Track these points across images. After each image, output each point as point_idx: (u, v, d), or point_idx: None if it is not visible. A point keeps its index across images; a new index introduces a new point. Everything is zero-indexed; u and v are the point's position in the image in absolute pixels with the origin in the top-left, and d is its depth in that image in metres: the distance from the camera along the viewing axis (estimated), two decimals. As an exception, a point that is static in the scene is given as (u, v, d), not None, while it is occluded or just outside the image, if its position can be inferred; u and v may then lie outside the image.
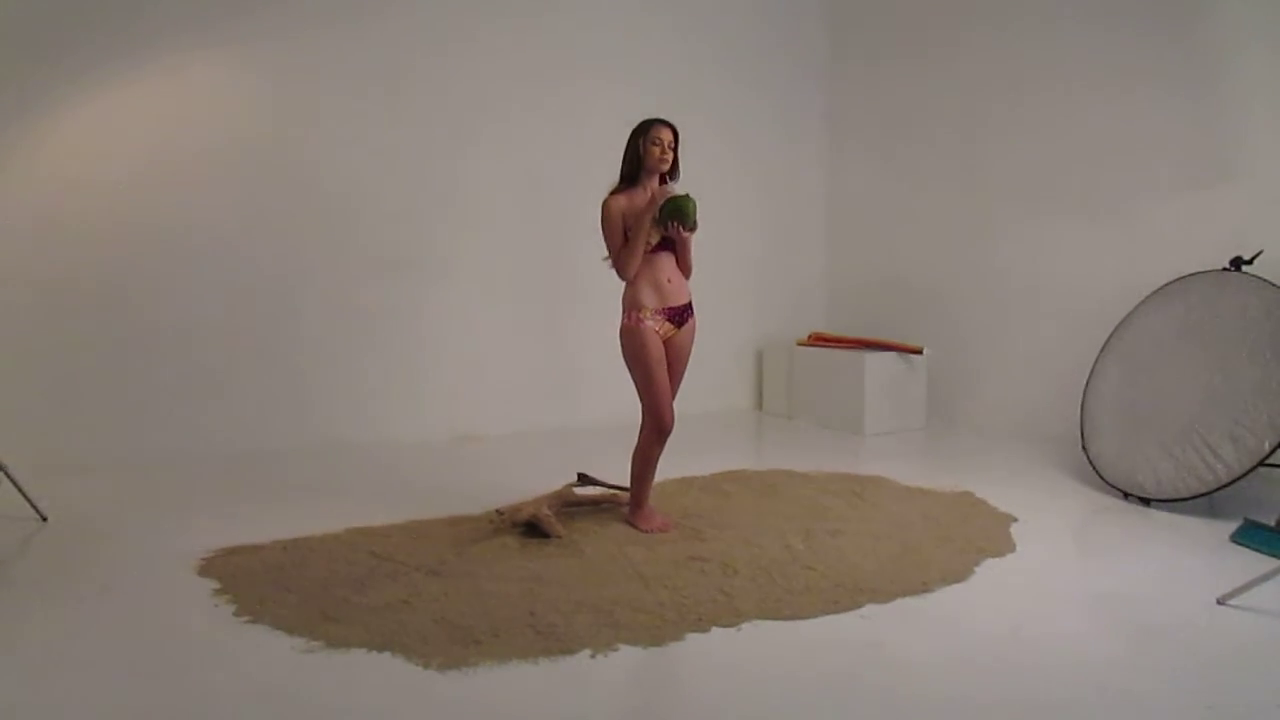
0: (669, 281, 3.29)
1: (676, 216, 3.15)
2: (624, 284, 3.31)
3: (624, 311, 3.29)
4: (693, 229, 3.20)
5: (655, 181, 3.28)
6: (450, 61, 5.02)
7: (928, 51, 5.64)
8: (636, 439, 3.34)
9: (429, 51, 4.96)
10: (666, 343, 3.30)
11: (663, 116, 3.29)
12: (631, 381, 3.31)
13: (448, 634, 2.42)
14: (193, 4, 4.41)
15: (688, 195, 3.20)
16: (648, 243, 3.22)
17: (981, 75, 5.32)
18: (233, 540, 3.17)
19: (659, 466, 3.44)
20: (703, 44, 5.80)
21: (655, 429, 3.28)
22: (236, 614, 2.57)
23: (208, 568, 2.93)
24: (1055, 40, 4.92)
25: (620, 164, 3.30)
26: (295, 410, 4.77)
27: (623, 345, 3.30)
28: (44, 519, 3.41)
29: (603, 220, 3.25)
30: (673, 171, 3.31)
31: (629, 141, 3.28)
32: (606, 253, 3.31)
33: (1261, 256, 3.80)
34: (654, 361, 3.24)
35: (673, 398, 3.34)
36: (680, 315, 3.32)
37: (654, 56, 5.57)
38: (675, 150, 3.26)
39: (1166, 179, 4.46)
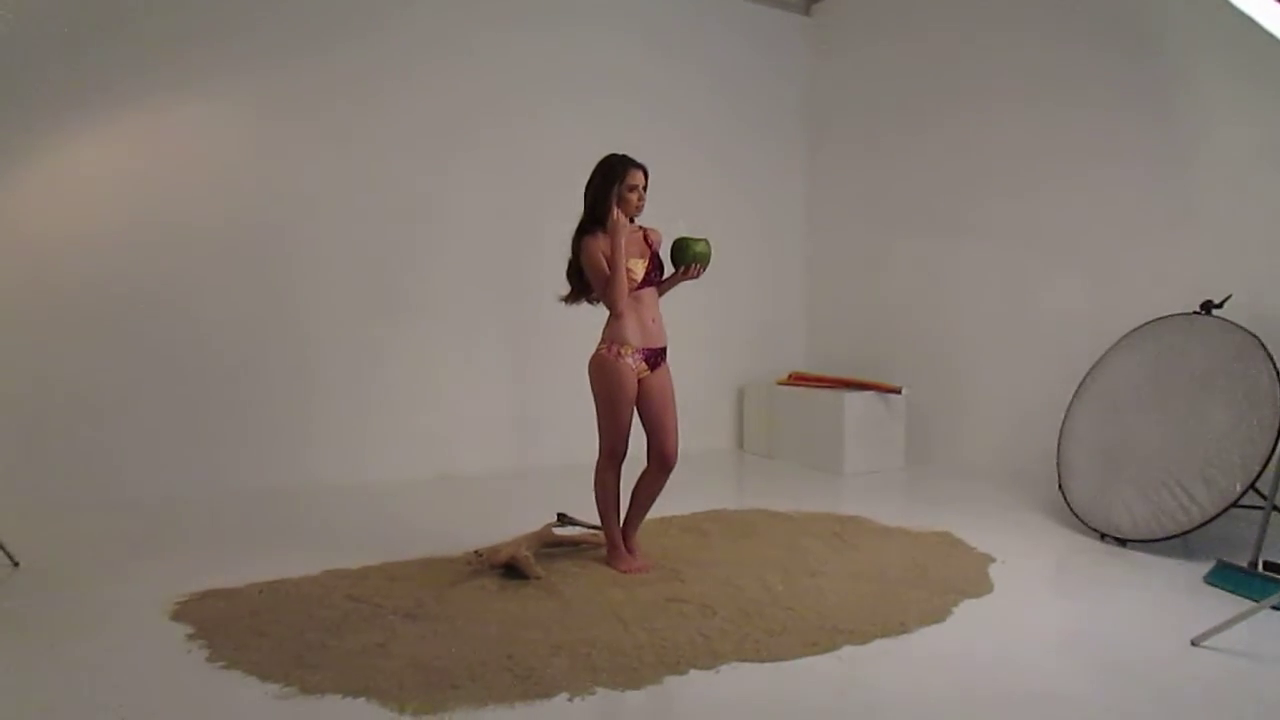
0: (653, 322, 3.31)
1: (702, 261, 3.35)
2: (609, 315, 3.27)
3: (605, 343, 3.27)
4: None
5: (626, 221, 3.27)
6: (427, 111, 5.10)
7: (910, 103, 5.76)
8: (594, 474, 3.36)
9: (405, 102, 5.04)
10: (641, 383, 3.30)
11: (631, 155, 3.26)
12: (595, 411, 3.31)
13: (424, 678, 2.40)
14: (163, 49, 4.46)
15: (705, 240, 3.36)
16: (632, 280, 3.24)
17: (962, 129, 5.44)
18: (208, 584, 3.14)
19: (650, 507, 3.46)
20: (680, 76, 5.89)
21: (609, 457, 3.31)
22: (210, 659, 2.54)
23: (182, 612, 2.89)
24: (1033, 101, 5.05)
25: (585, 199, 3.26)
26: (273, 452, 4.75)
27: (595, 375, 3.28)
28: (16, 564, 3.36)
29: (584, 257, 3.23)
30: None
31: (599, 181, 3.24)
32: (566, 291, 3.35)
33: (1230, 300, 3.88)
34: (625, 399, 3.25)
35: (674, 437, 3.34)
36: (656, 358, 3.33)
37: (630, 98, 5.65)
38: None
39: (1139, 225, 4.56)
